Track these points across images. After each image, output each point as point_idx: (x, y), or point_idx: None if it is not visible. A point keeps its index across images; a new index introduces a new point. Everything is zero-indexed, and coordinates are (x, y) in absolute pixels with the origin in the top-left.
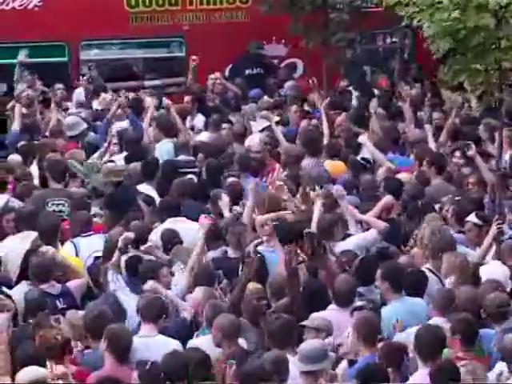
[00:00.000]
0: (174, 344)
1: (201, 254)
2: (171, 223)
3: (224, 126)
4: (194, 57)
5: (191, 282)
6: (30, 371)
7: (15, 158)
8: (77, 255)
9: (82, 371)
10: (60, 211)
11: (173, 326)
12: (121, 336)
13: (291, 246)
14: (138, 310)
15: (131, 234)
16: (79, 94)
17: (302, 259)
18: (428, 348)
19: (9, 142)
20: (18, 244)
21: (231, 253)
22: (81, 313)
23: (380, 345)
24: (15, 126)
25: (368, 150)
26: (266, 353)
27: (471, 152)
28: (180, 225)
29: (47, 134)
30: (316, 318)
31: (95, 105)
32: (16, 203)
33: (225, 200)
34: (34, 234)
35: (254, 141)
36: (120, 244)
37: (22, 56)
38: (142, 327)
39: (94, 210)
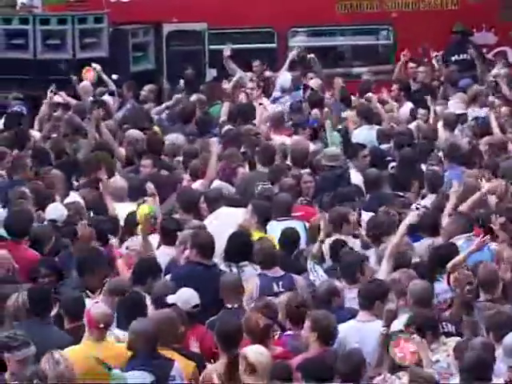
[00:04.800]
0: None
1: (401, 240)
2: None
3: (422, 112)
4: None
5: (391, 267)
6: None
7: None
8: None
9: (285, 352)
10: None
11: None
12: (325, 322)
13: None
14: None
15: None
16: (285, 79)
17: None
18: None
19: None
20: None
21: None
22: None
23: None
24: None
25: None
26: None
27: None
28: None
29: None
30: None
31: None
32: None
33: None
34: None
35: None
36: (321, 236)
37: (228, 50)
38: (360, 312)
39: None
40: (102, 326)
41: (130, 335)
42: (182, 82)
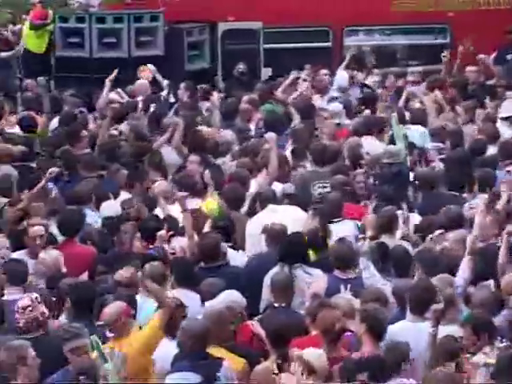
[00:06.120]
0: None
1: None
2: None
3: (479, 112)
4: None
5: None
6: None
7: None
8: None
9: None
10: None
11: None
12: (377, 317)
13: None
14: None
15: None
16: (341, 78)
17: None
18: None
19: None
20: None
21: None
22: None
23: None
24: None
25: None
26: None
27: None
28: None
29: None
30: None
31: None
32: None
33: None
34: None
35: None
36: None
37: None
38: (408, 313)
39: None
40: None
41: (180, 335)
42: (242, 66)
